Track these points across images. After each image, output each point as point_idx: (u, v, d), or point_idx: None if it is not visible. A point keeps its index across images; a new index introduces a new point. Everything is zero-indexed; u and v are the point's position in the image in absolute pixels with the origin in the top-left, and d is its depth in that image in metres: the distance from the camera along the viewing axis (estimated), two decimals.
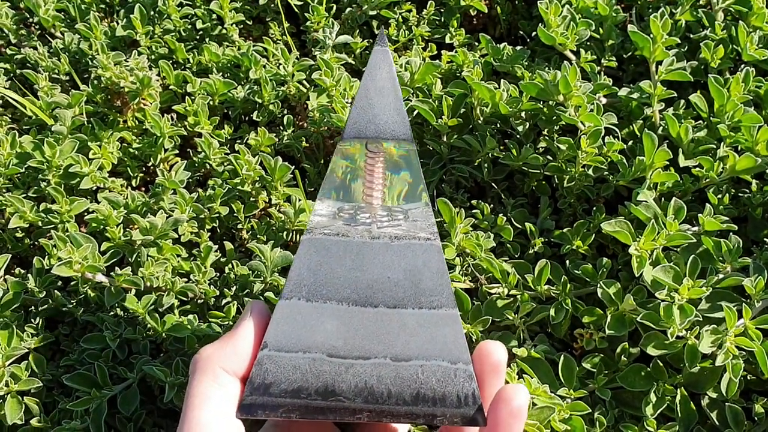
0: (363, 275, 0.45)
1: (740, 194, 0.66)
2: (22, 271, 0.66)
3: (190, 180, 0.72)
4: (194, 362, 0.44)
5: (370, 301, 0.44)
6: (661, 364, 0.57)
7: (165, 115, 0.73)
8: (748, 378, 0.59)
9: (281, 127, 0.74)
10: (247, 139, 0.72)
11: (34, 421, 0.58)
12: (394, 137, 0.49)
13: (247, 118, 0.77)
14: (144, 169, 0.75)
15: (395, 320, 0.44)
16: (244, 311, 0.45)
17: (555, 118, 0.68)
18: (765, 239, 0.65)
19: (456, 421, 0.43)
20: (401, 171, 0.48)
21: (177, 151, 0.74)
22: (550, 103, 0.67)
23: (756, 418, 0.57)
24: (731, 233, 0.60)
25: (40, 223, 0.66)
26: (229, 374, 0.43)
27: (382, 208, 0.47)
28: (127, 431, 0.59)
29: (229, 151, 0.71)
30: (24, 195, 0.68)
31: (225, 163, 0.71)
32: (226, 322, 0.60)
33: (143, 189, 0.74)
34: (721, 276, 0.58)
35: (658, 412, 0.56)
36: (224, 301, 0.63)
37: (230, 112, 0.76)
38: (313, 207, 0.47)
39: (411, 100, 0.69)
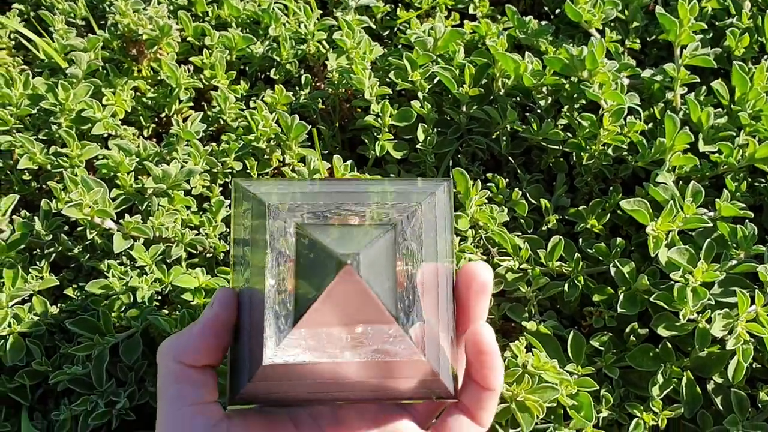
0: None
1: (756, 183, 0.66)
2: (28, 214, 0.65)
3: (203, 134, 0.71)
4: (158, 355, 0.44)
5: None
6: (669, 346, 0.57)
7: (181, 66, 0.72)
8: (754, 366, 0.59)
9: (297, 87, 0.73)
10: (263, 97, 0.71)
11: (35, 364, 0.57)
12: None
13: (263, 76, 0.76)
14: (156, 120, 0.74)
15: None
16: (212, 300, 0.44)
17: (577, 95, 0.67)
18: None
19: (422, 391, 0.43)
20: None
21: (191, 104, 0.73)
22: (573, 79, 0.67)
23: (760, 406, 0.57)
24: (747, 220, 0.59)
25: (49, 167, 0.65)
26: (188, 367, 0.43)
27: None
28: (129, 380, 0.58)
29: (244, 107, 0.70)
30: (34, 137, 0.67)
31: (240, 119, 0.70)
32: None
33: (155, 140, 0.73)
34: (735, 262, 0.58)
35: (664, 393, 0.55)
36: None
37: (247, 69, 0.75)
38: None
39: (433, 66, 0.68)
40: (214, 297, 0.43)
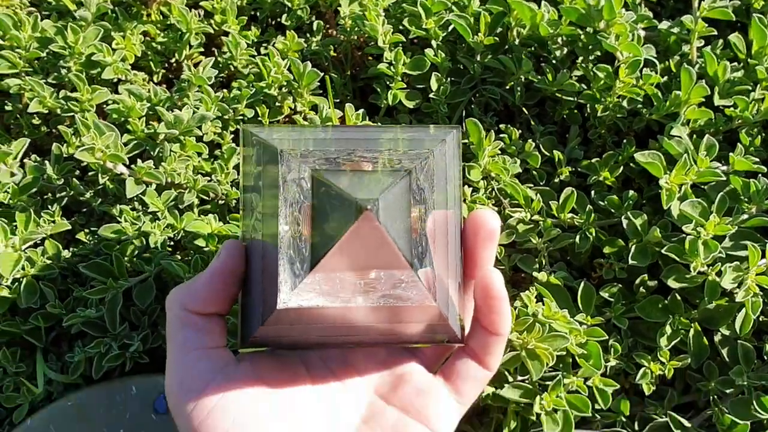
0: None
1: None
2: (39, 159, 0.65)
3: (214, 80, 0.71)
4: (167, 302, 0.45)
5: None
6: (678, 298, 0.57)
7: (192, 10, 0.71)
8: (761, 319, 0.59)
9: (309, 34, 0.72)
10: (274, 43, 0.70)
11: (48, 307, 0.58)
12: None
13: (274, 22, 0.75)
14: (166, 65, 0.73)
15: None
16: (219, 250, 0.44)
17: (593, 46, 0.66)
18: None
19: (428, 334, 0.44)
20: None
21: (201, 50, 0.72)
22: (589, 29, 0.66)
23: (765, 357, 0.57)
24: (760, 175, 0.59)
25: (59, 111, 0.65)
26: (194, 314, 0.44)
27: None
28: (142, 324, 0.59)
29: (255, 54, 0.69)
30: (44, 80, 0.66)
31: (251, 66, 0.69)
32: None
33: (165, 85, 0.73)
34: (746, 216, 0.58)
35: (672, 344, 0.56)
36: None
37: (258, 14, 0.74)
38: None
39: (447, 14, 0.67)
40: (222, 247, 0.44)
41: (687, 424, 0.56)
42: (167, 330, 0.44)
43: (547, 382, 0.54)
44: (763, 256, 0.55)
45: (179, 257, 0.61)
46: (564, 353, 0.54)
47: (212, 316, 0.44)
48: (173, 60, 0.72)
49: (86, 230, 0.62)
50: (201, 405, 0.42)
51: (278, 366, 0.46)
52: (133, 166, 0.61)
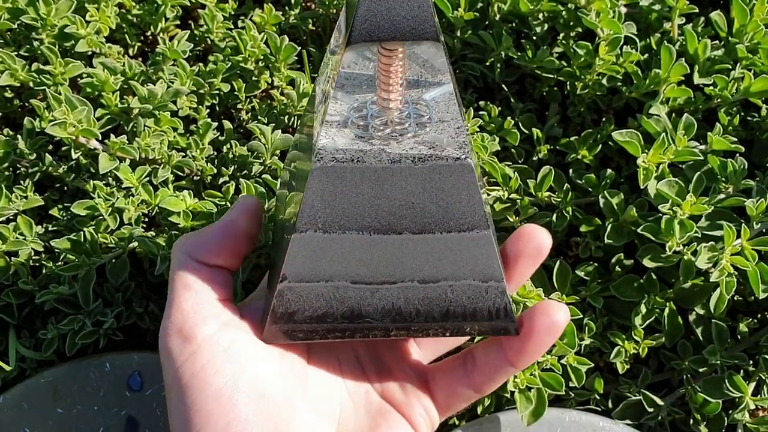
0: (384, 203, 0.39)
1: (749, 118, 0.65)
2: (11, 132, 0.64)
3: (190, 54, 0.69)
4: (175, 248, 0.44)
5: (393, 229, 0.40)
6: (654, 277, 0.58)
7: None
8: (736, 299, 0.60)
9: (287, 7, 0.71)
10: (252, 16, 0.69)
11: (20, 283, 0.57)
12: (417, 36, 0.36)
13: None
14: (142, 38, 0.72)
15: (422, 245, 0.41)
16: (233, 205, 0.44)
17: (574, 22, 0.66)
18: None
19: (487, 331, 0.43)
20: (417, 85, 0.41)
21: (178, 22, 0.71)
22: (571, 6, 0.65)
23: (739, 337, 0.58)
24: (737, 155, 0.59)
25: (31, 84, 0.64)
26: (198, 262, 0.43)
27: (401, 109, 0.40)
28: (115, 300, 0.58)
29: (232, 27, 0.68)
30: (15, 53, 0.65)
31: (227, 39, 0.68)
32: (223, 203, 0.59)
33: (140, 59, 0.71)
34: (723, 196, 0.58)
35: (647, 323, 0.56)
36: (221, 180, 0.62)
37: None
38: (326, 112, 0.40)
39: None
40: (236, 203, 0.44)
41: (660, 402, 0.56)
42: (170, 276, 0.43)
43: None
44: (739, 237, 0.55)
45: (153, 233, 0.61)
46: None
47: (218, 268, 0.44)
48: (149, 33, 0.71)
49: (59, 206, 0.61)
50: (196, 355, 0.40)
51: None
52: (106, 141, 0.60)
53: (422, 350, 0.49)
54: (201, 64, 0.67)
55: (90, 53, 0.67)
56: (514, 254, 0.44)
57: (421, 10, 0.36)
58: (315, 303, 0.42)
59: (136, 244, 0.58)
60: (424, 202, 0.40)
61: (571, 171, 0.63)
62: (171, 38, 0.69)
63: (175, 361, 0.40)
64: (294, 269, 0.41)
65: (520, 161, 0.64)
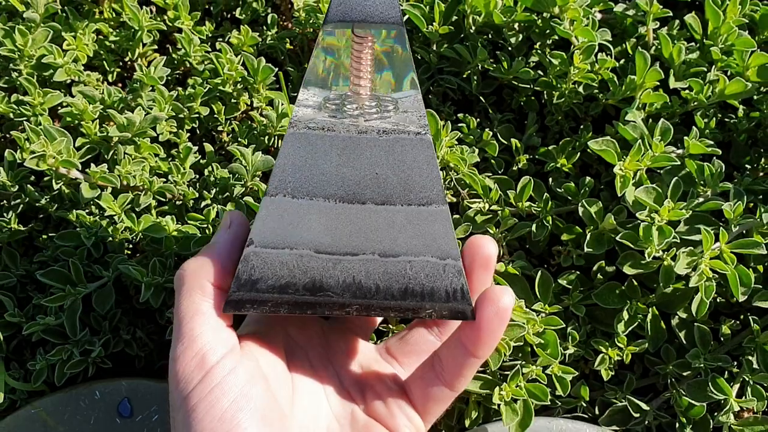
0: (350, 171, 0.43)
1: (726, 119, 0.66)
2: None
3: (169, 78, 0.70)
4: (179, 277, 0.44)
5: (357, 198, 0.43)
6: (635, 284, 0.58)
7: (143, 7, 0.70)
8: (718, 301, 0.60)
9: (264, 27, 0.72)
10: (229, 38, 0.69)
11: (8, 315, 0.58)
12: (383, 20, 0.44)
13: (229, 16, 0.74)
14: (121, 64, 0.72)
15: (383, 217, 0.43)
16: (221, 221, 0.45)
17: (549, 31, 0.66)
18: (747, 165, 0.65)
19: (444, 314, 0.44)
20: (383, 70, 0.46)
21: (156, 47, 0.71)
22: (545, 15, 0.66)
23: (722, 339, 0.58)
24: (714, 158, 0.60)
25: (11, 115, 0.64)
26: (215, 287, 0.43)
27: (370, 98, 0.45)
28: (102, 328, 0.59)
29: (209, 50, 0.69)
30: None
31: (206, 62, 0.68)
32: (205, 225, 0.60)
33: (120, 85, 0.72)
34: (701, 199, 0.58)
35: (630, 329, 0.57)
36: (203, 204, 0.62)
37: (212, 8, 0.73)
38: (298, 97, 0.45)
39: (401, 5, 0.66)
40: (226, 219, 0.45)
41: (645, 407, 0.57)
42: (178, 300, 0.43)
43: (507, 372, 0.54)
44: (717, 240, 0.55)
45: (138, 256, 0.61)
46: (522, 343, 0.54)
47: (223, 291, 0.44)
48: (127, 58, 0.71)
49: (44, 236, 0.62)
50: (206, 380, 0.41)
51: (271, 351, 0.46)
52: (87, 170, 0.60)
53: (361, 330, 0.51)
54: (180, 88, 0.67)
55: (69, 81, 0.67)
56: (467, 267, 0.45)
57: None
58: (279, 271, 0.43)
59: (120, 271, 0.58)
60: (387, 173, 0.43)
61: (550, 180, 0.63)
62: (149, 63, 0.69)
63: (186, 387, 0.41)
64: (261, 234, 0.43)
65: (499, 172, 0.65)
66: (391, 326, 0.58)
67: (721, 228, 0.56)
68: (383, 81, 0.46)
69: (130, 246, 0.61)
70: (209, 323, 0.42)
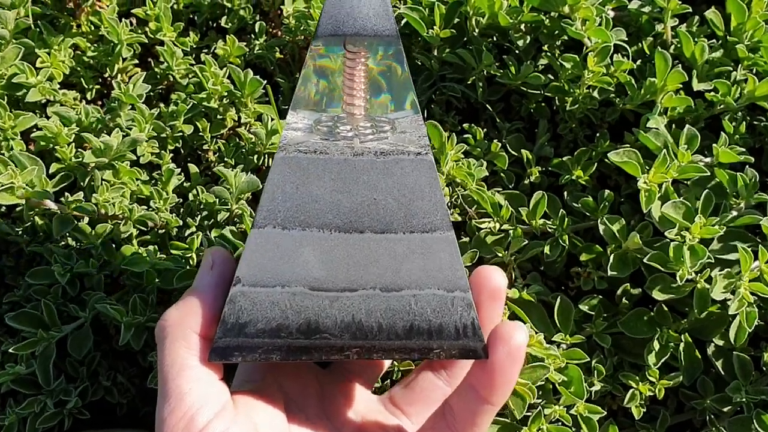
0: (346, 198, 0.40)
1: (755, 122, 0.60)
2: None
3: (152, 94, 0.65)
4: (161, 329, 0.39)
5: (354, 227, 0.40)
6: (665, 309, 0.53)
7: (123, 19, 0.65)
8: (758, 323, 0.55)
9: (252, 36, 0.67)
10: (215, 49, 0.64)
11: None
12: (377, 34, 0.42)
13: (214, 25, 0.69)
14: (100, 80, 0.67)
15: (384, 246, 0.39)
16: (203, 261, 0.40)
17: (558, 32, 0.61)
18: None
19: (454, 354, 0.40)
20: (381, 94, 0.42)
21: (137, 61, 0.66)
22: (554, 15, 0.60)
23: (764, 368, 0.53)
24: (747, 166, 0.54)
25: None
26: (200, 337, 0.39)
27: (365, 119, 0.41)
28: (80, 375, 0.54)
29: (194, 62, 0.64)
30: None
31: (190, 75, 0.63)
32: (189, 254, 0.54)
33: (100, 103, 0.67)
34: (735, 213, 0.53)
35: (662, 361, 0.51)
36: (188, 232, 0.57)
37: (196, 18, 0.68)
38: (286, 120, 0.41)
39: (399, 8, 0.61)
40: (211, 257, 0.41)
41: None
42: (163, 356, 0.39)
43: (528, 413, 0.49)
44: (756, 259, 0.50)
45: (118, 293, 0.56)
46: (543, 382, 0.49)
47: (211, 340, 0.40)
48: (107, 74, 0.66)
49: (15, 273, 0.57)
50: None
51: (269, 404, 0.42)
52: (62, 199, 0.55)
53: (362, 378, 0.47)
54: (163, 104, 0.63)
55: (44, 101, 0.62)
56: (474, 301, 0.40)
57: (381, 8, 0.42)
58: (269, 312, 0.39)
59: (97, 311, 0.53)
60: (386, 198, 0.40)
61: (566, 194, 0.58)
62: (130, 78, 0.64)
63: None
64: (249, 270, 0.39)
65: (510, 186, 0.59)
66: (395, 363, 0.53)
67: (759, 245, 0.50)
68: (380, 104, 0.42)
69: (110, 280, 0.56)
70: (197, 378, 0.38)
